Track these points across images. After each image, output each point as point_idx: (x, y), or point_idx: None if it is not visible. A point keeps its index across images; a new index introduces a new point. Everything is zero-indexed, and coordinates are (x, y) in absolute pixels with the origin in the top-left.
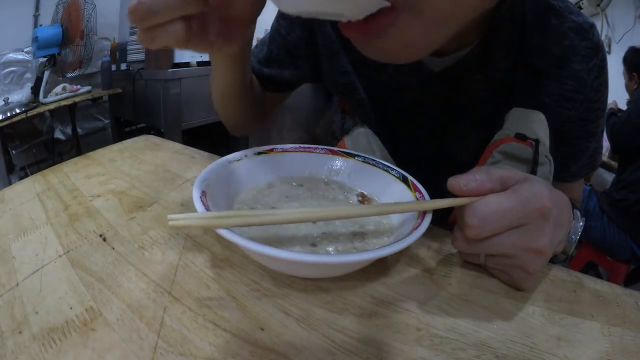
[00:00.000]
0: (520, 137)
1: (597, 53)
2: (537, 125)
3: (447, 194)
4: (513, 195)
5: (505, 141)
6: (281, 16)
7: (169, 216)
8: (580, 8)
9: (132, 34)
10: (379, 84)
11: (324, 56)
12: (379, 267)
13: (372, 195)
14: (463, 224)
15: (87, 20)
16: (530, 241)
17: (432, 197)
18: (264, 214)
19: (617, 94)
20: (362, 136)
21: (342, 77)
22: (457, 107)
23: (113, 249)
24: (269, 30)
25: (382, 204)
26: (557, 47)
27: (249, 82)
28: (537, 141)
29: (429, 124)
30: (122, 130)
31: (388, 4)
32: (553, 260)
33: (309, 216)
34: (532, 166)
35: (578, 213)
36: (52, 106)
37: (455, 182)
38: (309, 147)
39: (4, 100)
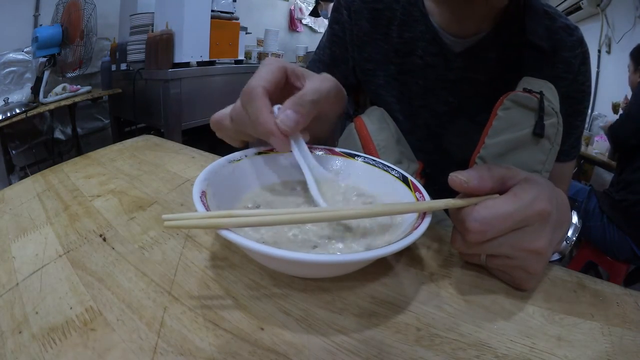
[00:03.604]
0: (527, 90)
1: (581, 45)
2: (545, 89)
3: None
4: (514, 198)
5: (514, 92)
6: (334, 20)
7: (164, 216)
8: (580, 8)
9: (132, 33)
10: (408, 66)
11: (354, 45)
12: (379, 267)
13: (372, 195)
14: (464, 228)
15: (87, 20)
16: (530, 243)
17: (443, 184)
18: (260, 215)
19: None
20: (376, 111)
21: (367, 63)
22: (474, 82)
23: (113, 249)
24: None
25: (382, 204)
26: (549, 41)
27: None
28: (541, 93)
29: (450, 98)
30: (122, 130)
31: None
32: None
33: (307, 218)
34: (539, 112)
35: (575, 214)
36: (52, 106)
37: (457, 178)
38: (309, 147)
39: (4, 100)
